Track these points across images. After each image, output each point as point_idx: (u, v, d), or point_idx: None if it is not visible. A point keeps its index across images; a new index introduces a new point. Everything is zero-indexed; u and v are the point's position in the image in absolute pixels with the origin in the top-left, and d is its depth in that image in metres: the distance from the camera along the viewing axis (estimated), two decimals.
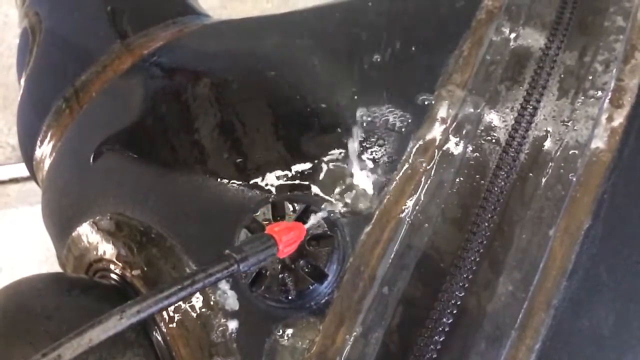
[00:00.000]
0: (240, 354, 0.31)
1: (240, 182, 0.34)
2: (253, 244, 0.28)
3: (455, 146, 0.32)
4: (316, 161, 0.33)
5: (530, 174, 0.31)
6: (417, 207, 0.31)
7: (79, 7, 0.46)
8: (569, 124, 0.32)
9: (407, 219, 0.31)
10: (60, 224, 0.42)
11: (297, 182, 0.33)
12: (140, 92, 0.41)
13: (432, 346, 0.29)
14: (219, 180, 0.35)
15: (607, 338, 0.29)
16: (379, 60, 0.36)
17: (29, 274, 0.37)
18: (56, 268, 0.45)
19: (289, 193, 0.33)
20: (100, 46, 0.43)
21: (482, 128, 0.32)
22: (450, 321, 0.29)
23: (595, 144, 0.31)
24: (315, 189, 0.33)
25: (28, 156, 0.47)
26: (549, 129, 0.32)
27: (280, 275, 0.31)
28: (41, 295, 0.34)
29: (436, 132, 0.33)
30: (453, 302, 0.29)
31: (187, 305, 0.33)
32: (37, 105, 0.46)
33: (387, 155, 0.33)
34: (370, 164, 0.33)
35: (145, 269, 0.35)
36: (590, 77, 0.33)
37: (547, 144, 0.32)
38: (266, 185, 0.34)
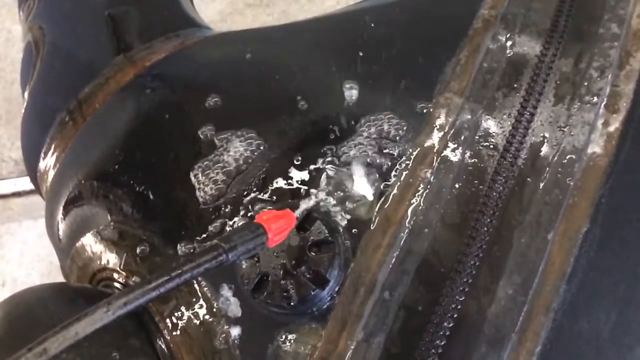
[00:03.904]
0: None
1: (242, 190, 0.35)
2: (242, 233, 0.28)
3: (453, 152, 0.33)
4: (316, 168, 0.34)
5: (528, 179, 0.32)
6: (416, 213, 0.31)
7: (82, 21, 0.47)
8: (565, 129, 0.32)
9: (407, 225, 0.31)
10: (64, 234, 0.43)
11: (297, 188, 0.34)
12: (143, 103, 0.41)
13: (433, 350, 0.29)
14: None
15: (606, 340, 0.29)
16: (378, 69, 0.36)
17: None
18: (59, 281, 0.45)
19: (289, 200, 0.33)
20: (103, 59, 0.44)
21: (480, 134, 0.33)
22: (451, 325, 0.29)
23: (592, 149, 0.32)
24: (315, 196, 0.33)
25: (32, 168, 0.47)
26: (545, 134, 0.32)
27: (282, 282, 0.31)
28: (46, 305, 0.35)
29: (435, 138, 0.33)
30: (453, 306, 0.29)
31: (190, 313, 0.33)
32: (41, 118, 0.46)
33: (386, 162, 0.33)
34: (369, 171, 0.33)
35: (148, 276, 0.35)
36: (586, 83, 0.33)
37: (545, 149, 0.32)
38: (268, 192, 0.34)
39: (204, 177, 0.35)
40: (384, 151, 0.34)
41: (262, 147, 0.35)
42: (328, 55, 0.39)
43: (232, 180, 0.35)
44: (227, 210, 0.34)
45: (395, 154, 0.33)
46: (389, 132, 0.34)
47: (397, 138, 0.34)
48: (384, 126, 0.34)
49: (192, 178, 0.36)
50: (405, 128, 0.34)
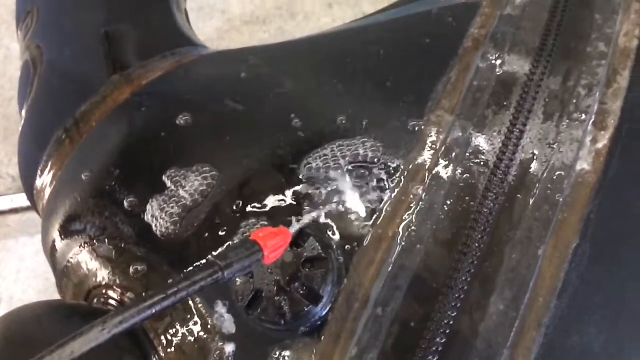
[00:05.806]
0: None
1: (236, 208, 0.35)
2: (238, 250, 0.28)
3: (445, 169, 0.33)
4: (310, 185, 0.34)
5: (519, 195, 0.32)
6: (409, 229, 0.32)
7: (79, 40, 0.47)
8: (554, 146, 0.33)
9: (400, 241, 0.32)
10: (61, 251, 0.43)
11: (291, 205, 0.34)
12: (139, 121, 0.42)
13: None
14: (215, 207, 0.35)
15: (598, 355, 0.30)
16: (370, 87, 0.37)
17: None
18: (55, 298, 0.45)
19: (285, 218, 0.34)
20: (100, 77, 0.44)
21: (471, 151, 0.33)
22: (443, 341, 0.29)
23: (581, 166, 0.32)
24: (309, 213, 0.33)
25: (29, 186, 0.48)
26: (535, 151, 0.33)
27: (276, 298, 0.31)
28: (42, 322, 0.35)
29: (426, 156, 0.34)
30: (446, 322, 0.30)
31: (185, 330, 0.33)
32: (38, 136, 0.46)
33: (379, 179, 0.34)
34: (362, 187, 0.34)
35: (144, 294, 0.35)
36: (574, 101, 0.34)
37: (534, 166, 0.32)
38: (262, 210, 0.34)
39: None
40: (377, 167, 0.34)
41: (254, 164, 0.36)
42: (323, 74, 0.39)
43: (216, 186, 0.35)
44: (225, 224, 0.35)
45: (388, 170, 0.34)
46: (386, 147, 0.34)
47: (394, 154, 0.34)
48: (379, 142, 0.35)
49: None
50: (400, 145, 0.34)
